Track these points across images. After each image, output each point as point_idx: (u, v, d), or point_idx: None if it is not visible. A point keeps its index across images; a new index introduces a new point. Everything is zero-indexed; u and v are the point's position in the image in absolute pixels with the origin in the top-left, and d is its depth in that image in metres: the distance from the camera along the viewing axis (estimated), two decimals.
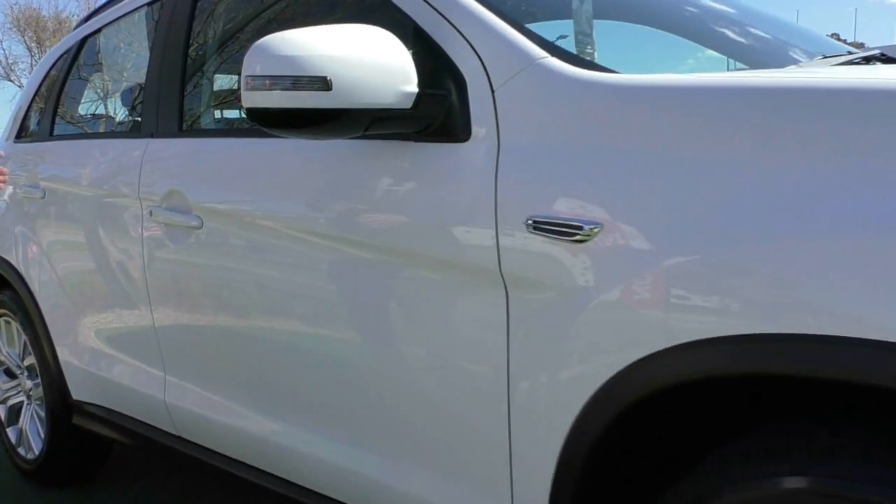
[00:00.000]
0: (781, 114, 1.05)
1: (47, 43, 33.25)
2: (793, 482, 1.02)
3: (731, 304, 1.03)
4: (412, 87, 1.36)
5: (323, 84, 1.29)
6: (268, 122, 1.35)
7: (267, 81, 1.31)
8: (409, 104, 1.36)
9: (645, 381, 1.11)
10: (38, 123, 2.94)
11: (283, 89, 1.30)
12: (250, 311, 1.79)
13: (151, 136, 2.14)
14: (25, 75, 35.09)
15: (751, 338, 1.01)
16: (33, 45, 33.76)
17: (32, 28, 33.30)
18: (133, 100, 2.49)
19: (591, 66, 1.31)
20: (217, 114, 2.15)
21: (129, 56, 2.61)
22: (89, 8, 35.36)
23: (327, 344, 1.60)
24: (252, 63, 1.32)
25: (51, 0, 59.84)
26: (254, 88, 1.32)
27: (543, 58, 1.30)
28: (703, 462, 1.15)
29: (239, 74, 2.25)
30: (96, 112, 2.82)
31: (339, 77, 1.30)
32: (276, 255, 1.69)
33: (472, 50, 1.38)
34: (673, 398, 1.16)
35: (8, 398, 3.08)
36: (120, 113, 2.59)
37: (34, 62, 34.70)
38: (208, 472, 2.12)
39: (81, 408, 2.60)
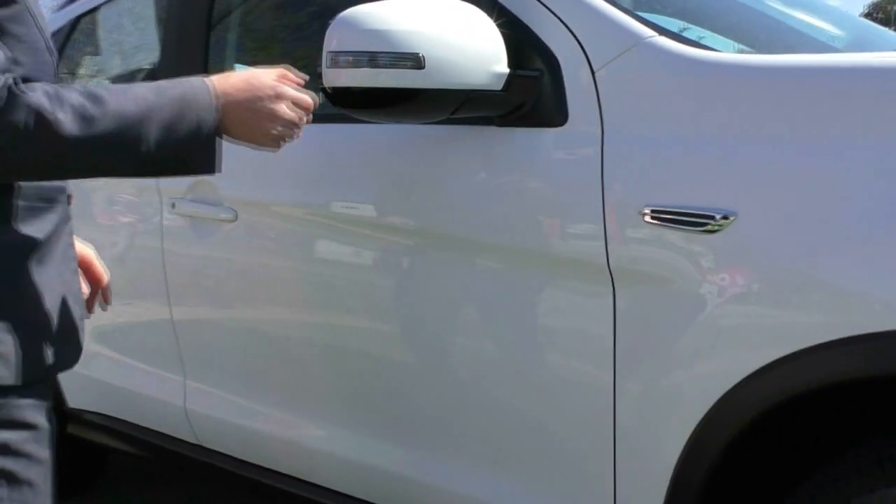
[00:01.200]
0: None
1: None
2: None
3: (882, 300, 0.97)
4: (503, 67, 1.26)
5: (415, 62, 1.19)
6: (349, 102, 1.24)
7: (351, 58, 1.20)
8: (499, 86, 1.26)
9: (786, 384, 1.03)
10: None
11: (371, 67, 1.19)
12: (296, 310, 1.67)
13: None
14: None
15: None
16: None
17: None
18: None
19: (697, 45, 1.23)
20: None
21: (135, 36, 2.45)
22: None
23: (392, 345, 1.49)
24: (334, 37, 1.21)
25: None
26: (337, 66, 1.20)
27: (652, 36, 1.22)
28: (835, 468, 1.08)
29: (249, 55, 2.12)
30: None
31: (431, 55, 1.19)
32: (329, 250, 1.58)
33: (565, 29, 1.29)
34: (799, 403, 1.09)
35: None
36: None
37: None
38: (228, 483, 1.99)
39: (78, 416, 2.42)
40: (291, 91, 1.10)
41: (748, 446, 1.12)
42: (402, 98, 1.22)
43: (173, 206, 1.89)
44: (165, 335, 2.01)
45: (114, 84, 0.99)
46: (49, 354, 1.02)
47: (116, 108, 0.96)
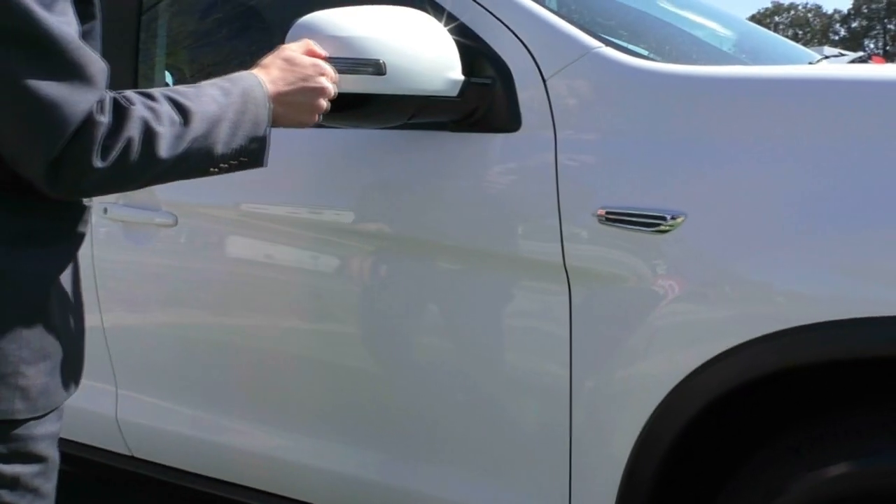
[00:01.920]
0: (864, 104, 1.10)
1: None
2: None
3: (829, 291, 1.06)
4: (458, 74, 1.30)
5: (376, 68, 1.21)
6: None
7: None
8: (454, 92, 1.30)
9: (737, 372, 1.11)
10: None
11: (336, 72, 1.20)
12: (237, 314, 1.65)
13: None
14: None
15: (851, 322, 1.04)
16: None
17: None
18: None
19: (641, 56, 1.31)
20: None
21: None
22: None
23: (344, 348, 1.51)
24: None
25: None
26: None
27: (599, 47, 1.29)
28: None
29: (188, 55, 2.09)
30: None
31: (391, 61, 1.22)
32: (276, 254, 1.57)
33: (515, 39, 1.34)
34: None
35: None
36: None
37: None
38: (162, 494, 1.95)
39: None
40: (326, 64, 1.13)
41: (697, 437, 1.19)
42: (361, 103, 1.24)
43: (105, 210, 1.83)
44: (95, 344, 1.93)
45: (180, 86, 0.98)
46: (65, 383, 0.98)
47: (200, 116, 0.95)
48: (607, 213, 1.19)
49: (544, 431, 1.30)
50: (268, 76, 1.07)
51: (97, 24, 0.95)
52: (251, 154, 1.03)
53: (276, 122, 1.06)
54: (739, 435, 1.27)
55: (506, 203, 1.30)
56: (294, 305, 1.56)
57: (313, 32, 1.21)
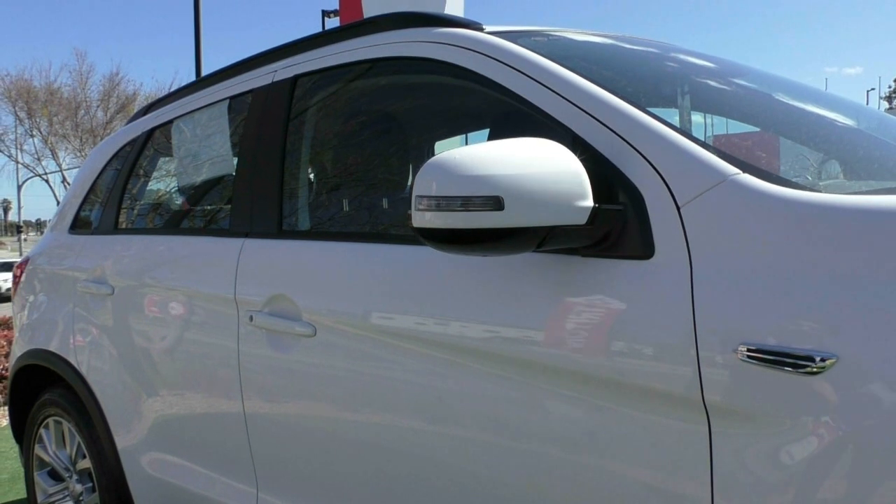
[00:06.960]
0: None
1: (38, 113, 33.41)
2: None
3: None
4: (588, 202, 1.29)
5: (495, 204, 1.22)
6: (438, 239, 1.27)
7: (434, 202, 1.24)
8: (583, 220, 1.29)
9: None
10: (100, 216, 2.85)
11: (451, 210, 1.23)
12: (376, 427, 1.68)
13: (246, 235, 2.06)
14: (15, 146, 35.24)
15: None
16: (23, 115, 33.87)
17: (24, 99, 33.42)
18: (216, 196, 2.41)
19: (786, 182, 1.25)
20: (325, 214, 2.07)
21: (208, 150, 2.55)
22: (82, 79, 35.40)
23: (482, 467, 1.49)
24: (426, 182, 1.25)
25: (42, 71, 60.90)
26: (427, 209, 1.25)
27: (737, 174, 1.24)
28: None
29: (337, 169, 2.19)
30: (170, 206, 2.73)
31: (519, 195, 1.23)
32: (410, 370, 1.59)
33: (648, 165, 1.32)
34: None
35: (53, 503, 2.91)
36: (201, 209, 2.51)
37: (24, 133, 34.86)
38: None
39: None
40: None
41: None
42: (487, 236, 1.25)
43: (251, 318, 1.93)
44: (239, 446, 2.03)
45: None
46: None
47: None
48: (748, 350, 1.13)
49: None
50: None
51: None
52: None
53: None
54: None
55: (639, 333, 1.26)
56: (423, 419, 1.57)
57: (443, 172, 1.24)
